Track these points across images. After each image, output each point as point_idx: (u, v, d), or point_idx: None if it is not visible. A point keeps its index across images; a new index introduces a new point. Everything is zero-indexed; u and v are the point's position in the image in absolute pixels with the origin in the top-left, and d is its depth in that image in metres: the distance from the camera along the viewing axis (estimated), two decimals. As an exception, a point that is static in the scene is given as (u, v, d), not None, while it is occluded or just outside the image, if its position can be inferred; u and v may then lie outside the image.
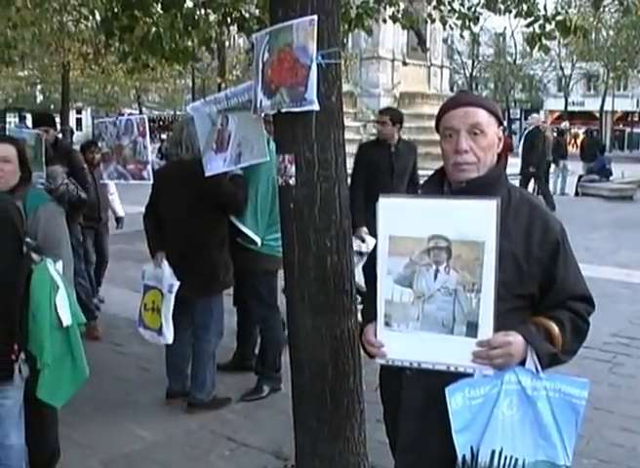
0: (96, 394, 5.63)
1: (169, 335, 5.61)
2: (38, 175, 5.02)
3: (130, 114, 32.64)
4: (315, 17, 3.53)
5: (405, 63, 22.85)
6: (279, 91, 3.59)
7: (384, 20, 9.02)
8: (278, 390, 6.08)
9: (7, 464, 3.90)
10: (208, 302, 5.74)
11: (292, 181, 3.69)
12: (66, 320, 3.75)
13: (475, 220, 2.46)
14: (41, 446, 4.41)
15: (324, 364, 3.91)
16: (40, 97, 44.99)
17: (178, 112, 49.59)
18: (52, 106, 41.18)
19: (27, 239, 3.81)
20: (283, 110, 3.60)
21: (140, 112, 41.78)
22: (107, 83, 26.11)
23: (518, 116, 58.18)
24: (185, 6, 7.40)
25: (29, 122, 35.83)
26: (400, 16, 8.72)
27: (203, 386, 5.75)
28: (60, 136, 9.00)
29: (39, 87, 41.84)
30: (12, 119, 46.14)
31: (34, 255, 3.75)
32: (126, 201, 8.78)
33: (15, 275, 3.64)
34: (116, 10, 7.37)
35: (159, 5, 7.32)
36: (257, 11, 8.16)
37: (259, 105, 3.77)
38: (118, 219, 9.07)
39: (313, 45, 3.50)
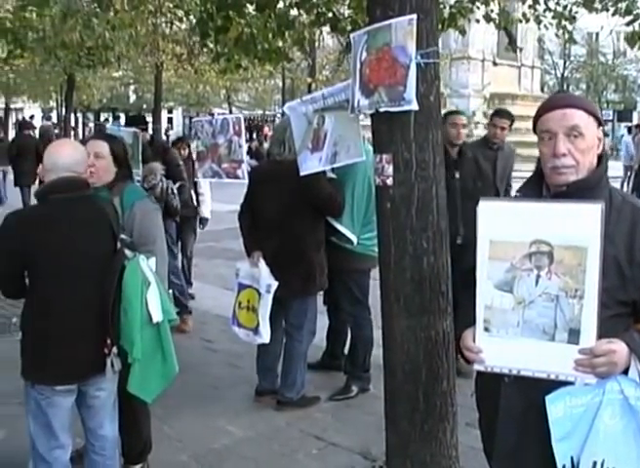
0: (186, 389, 5.72)
1: (265, 335, 5.63)
2: (135, 172, 5.11)
3: (221, 114, 33.03)
4: (414, 16, 3.51)
5: (495, 64, 22.59)
6: (377, 90, 3.57)
7: (477, 21, 8.90)
8: (367, 390, 6.06)
9: (102, 454, 4.00)
10: (303, 303, 5.75)
11: (389, 181, 3.67)
12: (157, 316, 3.80)
13: (579, 225, 2.40)
14: (134, 437, 4.50)
15: (418, 365, 3.88)
16: (133, 98, 45.93)
17: (267, 112, 49.99)
18: (144, 106, 42.06)
19: (122, 236, 3.90)
20: (381, 110, 3.59)
21: (230, 112, 42.24)
22: (199, 83, 26.48)
23: (610, 117, 56.78)
24: (279, 6, 7.45)
25: (122, 122, 36.73)
26: (495, 15, 8.59)
27: (293, 385, 5.77)
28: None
29: (132, 87, 42.71)
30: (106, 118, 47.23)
31: (127, 252, 3.82)
32: (215, 199, 8.88)
33: (109, 271, 3.72)
34: (211, 11, 7.47)
35: (253, 6, 7.38)
36: (347, 11, 8.15)
37: (356, 105, 3.76)
38: (202, 220, 9.23)
39: (412, 44, 3.48)
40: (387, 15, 3.59)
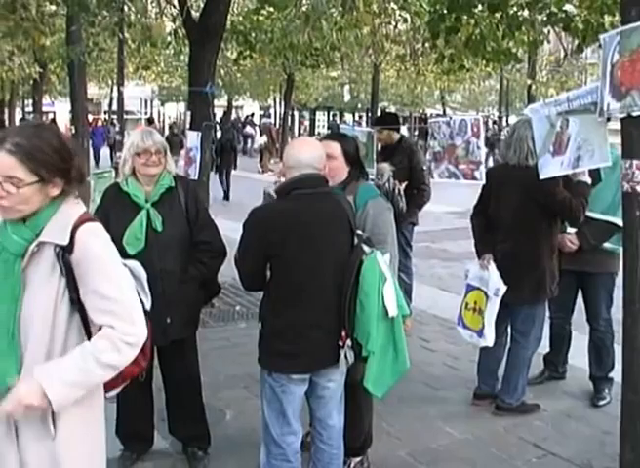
0: (405, 387, 5.73)
1: (490, 338, 5.57)
2: (369, 171, 5.19)
3: (437, 116, 32.98)
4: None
5: None
6: (630, 94, 3.44)
7: None
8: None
9: (329, 443, 4.11)
10: (531, 309, 5.64)
11: (639, 188, 3.52)
12: (393, 311, 3.85)
13: None
14: (356, 430, 4.56)
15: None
16: (347, 97, 46.73)
17: (480, 114, 49.43)
18: (359, 105, 42.73)
19: (358, 231, 3.99)
20: (634, 114, 3.45)
21: (444, 112, 42.12)
22: (417, 83, 26.55)
23: None
24: (511, 7, 7.36)
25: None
26: None
27: (515, 391, 5.69)
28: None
29: (347, 87, 43.46)
30: (321, 117, 48.31)
31: (365, 247, 3.90)
32: (433, 200, 8.88)
33: (347, 265, 3.82)
34: (441, 12, 7.50)
35: (483, 6, 7.33)
36: (574, 10, 7.91)
37: (605, 108, 3.64)
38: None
39: (672, 45, 3.32)
40: (643, 14, 3.45)
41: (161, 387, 4.84)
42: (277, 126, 36.41)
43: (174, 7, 11.28)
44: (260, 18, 11.15)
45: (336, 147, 4.44)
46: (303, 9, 10.17)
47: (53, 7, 12.15)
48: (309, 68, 14.34)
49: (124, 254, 4.04)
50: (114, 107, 44.19)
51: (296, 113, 42.79)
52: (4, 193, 2.53)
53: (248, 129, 38.54)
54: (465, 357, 6.71)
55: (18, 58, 14.66)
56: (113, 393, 3.00)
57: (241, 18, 12.18)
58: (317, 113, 48.32)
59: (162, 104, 54.17)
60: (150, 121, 28.99)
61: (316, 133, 42.27)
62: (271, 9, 9.94)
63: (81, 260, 2.59)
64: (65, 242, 2.57)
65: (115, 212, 4.48)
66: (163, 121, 50.69)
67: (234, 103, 44.41)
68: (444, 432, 5.44)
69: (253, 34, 11.57)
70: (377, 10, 11.06)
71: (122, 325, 2.58)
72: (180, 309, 4.47)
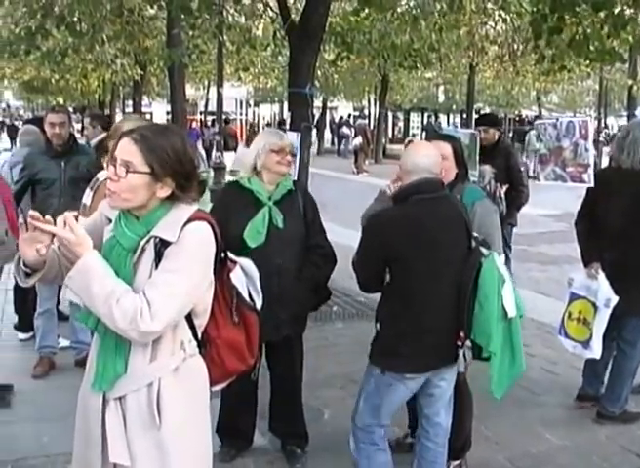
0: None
1: (597, 350, 5.45)
2: (471, 173, 5.18)
3: (536, 117, 32.39)
4: None
5: None
6: None
7: None
8: None
9: (435, 441, 4.13)
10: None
11: None
12: (512, 311, 3.85)
13: None
14: (458, 432, 4.54)
15: None
16: (442, 98, 46.36)
17: (577, 115, 48.40)
18: (453, 107, 42.35)
19: (474, 234, 3.98)
20: None
21: (540, 114, 41.41)
22: (514, 84, 26.25)
23: None
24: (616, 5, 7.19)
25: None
26: None
27: (617, 399, 5.57)
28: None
29: (441, 88, 43.15)
30: (415, 118, 48.02)
31: (483, 249, 3.91)
32: (528, 202, 8.74)
33: (465, 267, 3.83)
34: (544, 12, 7.38)
35: (587, 5, 7.18)
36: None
37: None
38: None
39: None
40: None
41: (261, 385, 4.92)
42: (371, 127, 36.38)
43: (271, 9, 11.43)
44: (359, 19, 11.16)
45: (446, 148, 4.47)
46: (401, 10, 10.15)
47: (152, 11, 12.48)
48: (406, 69, 14.26)
49: (244, 248, 4.19)
50: (210, 108, 45.14)
51: (390, 114, 42.57)
52: (116, 177, 2.64)
53: (344, 129, 38.64)
54: (564, 362, 6.61)
55: (120, 61, 15.09)
56: (218, 387, 3.08)
57: (339, 19, 12.21)
58: (411, 114, 48.04)
59: (256, 105, 54.79)
60: (227, 121, 29.26)
61: (410, 134, 42.06)
62: (371, 10, 9.94)
63: (171, 249, 2.66)
64: (174, 239, 2.65)
65: (236, 207, 4.56)
66: (258, 122, 51.25)
67: (329, 104, 44.58)
68: (543, 437, 5.37)
69: (351, 35, 11.58)
70: (475, 10, 10.99)
71: (149, 307, 2.57)
72: (293, 306, 4.53)
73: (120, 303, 2.54)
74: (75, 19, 9.68)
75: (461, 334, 3.85)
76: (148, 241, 2.69)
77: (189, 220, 2.69)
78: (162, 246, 2.67)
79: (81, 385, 2.93)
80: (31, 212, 2.64)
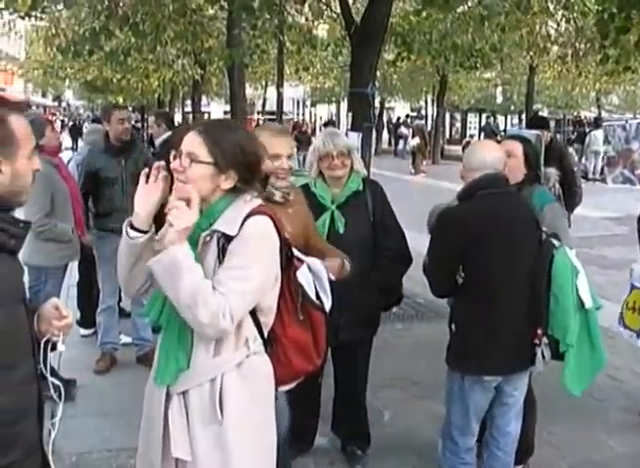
0: (566, 396, 5.61)
1: None
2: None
3: (596, 119, 31.83)
4: None
5: None
6: None
7: None
8: None
9: (504, 450, 4.12)
10: None
11: None
12: (588, 302, 3.80)
13: None
14: (522, 437, 4.46)
15: None
16: (500, 99, 45.94)
17: (638, 116, 47.52)
18: (511, 107, 41.92)
19: (543, 227, 3.95)
20: None
21: (599, 115, 40.71)
22: (574, 85, 25.88)
23: None
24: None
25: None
26: None
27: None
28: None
29: (499, 88, 42.74)
30: (472, 119, 47.68)
31: (554, 241, 3.87)
32: (589, 205, 8.63)
33: (537, 259, 3.80)
34: (611, 11, 7.27)
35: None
36: None
37: None
38: None
39: None
40: None
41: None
42: (429, 127, 36.21)
43: (331, 10, 11.46)
44: (420, 19, 11.12)
45: (517, 146, 4.45)
46: (462, 10, 10.07)
47: (211, 11, 12.58)
48: (466, 70, 14.16)
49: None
50: (267, 108, 45.37)
51: (447, 115, 42.36)
52: (181, 168, 2.68)
53: (402, 130, 38.54)
54: (627, 368, 6.50)
55: (181, 61, 15.25)
56: (285, 388, 3.08)
57: (399, 19, 12.18)
58: (469, 115, 47.71)
59: (313, 105, 54.92)
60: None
61: (467, 135, 41.79)
62: (432, 10, 9.89)
63: (234, 245, 2.68)
64: (234, 233, 2.67)
65: None
66: (315, 122, 51.40)
67: (386, 104, 44.49)
68: (606, 445, 5.30)
69: (411, 36, 11.54)
70: (538, 10, 10.87)
71: (229, 306, 2.59)
72: (354, 311, 4.41)
73: (207, 300, 2.57)
74: (138, 19, 9.80)
75: (539, 332, 3.80)
76: (210, 234, 2.72)
77: (250, 214, 2.71)
78: (225, 240, 2.69)
79: (147, 382, 2.97)
80: (157, 163, 2.73)
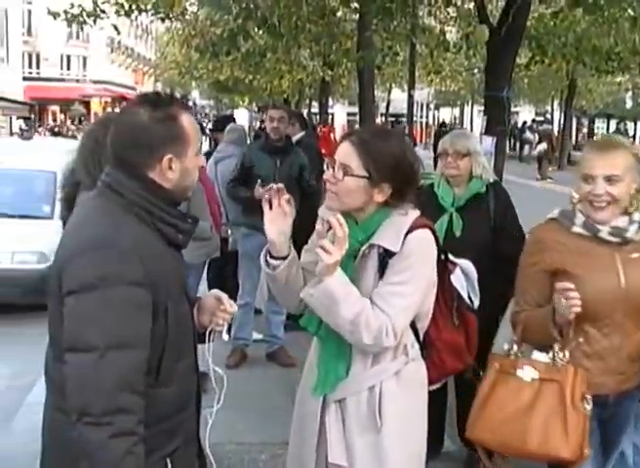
0: None
1: None
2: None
3: None
4: None
5: None
6: None
7: None
8: None
9: None
10: None
11: None
12: None
13: None
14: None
15: None
16: (629, 104, 44.53)
17: None
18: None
19: None
20: None
21: None
22: None
23: None
24: None
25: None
26: None
27: None
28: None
29: (629, 93, 41.46)
30: (600, 124, 46.46)
31: None
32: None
33: None
34: None
35: None
36: None
37: None
38: None
39: None
40: None
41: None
42: (555, 132, 35.41)
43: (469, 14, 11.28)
44: (557, 21, 10.86)
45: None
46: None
47: (339, 13, 12.63)
48: (603, 74, 13.73)
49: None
50: (391, 110, 45.33)
51: (574, 120, 41.31)
52: (334, 179, 2.69)
53: (527, 134, 37.83)
54: None
55: (312, 63, 15.37)
56: (434, 387, 3.05)
57: (535, 22, 11.94)
58: (596, 120, 46.44)
59: (437, 108, 54.56)
60: (398, 123, 29.08)
61: (595, 141, 40.58)
62: (578, 12, 9.65)
63: (396, 260, 2.67)
64: (397, 249, 2.66)
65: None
66: (438, 125, 51.08)
67: (512, 109, 43.72)
68: None
69: (546, 39, 11.28)
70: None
71: (391, 323, 2.60)
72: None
73: (369, 323, 2.58)
74: (275, 20, 9.93)
75: None
76: (369, 248, 2.72)
77: (412, 228, 2.70)
78: (386, 255, 2.68)
79: (298, 388, 3.03)
80: (277, 185, 2.76)
